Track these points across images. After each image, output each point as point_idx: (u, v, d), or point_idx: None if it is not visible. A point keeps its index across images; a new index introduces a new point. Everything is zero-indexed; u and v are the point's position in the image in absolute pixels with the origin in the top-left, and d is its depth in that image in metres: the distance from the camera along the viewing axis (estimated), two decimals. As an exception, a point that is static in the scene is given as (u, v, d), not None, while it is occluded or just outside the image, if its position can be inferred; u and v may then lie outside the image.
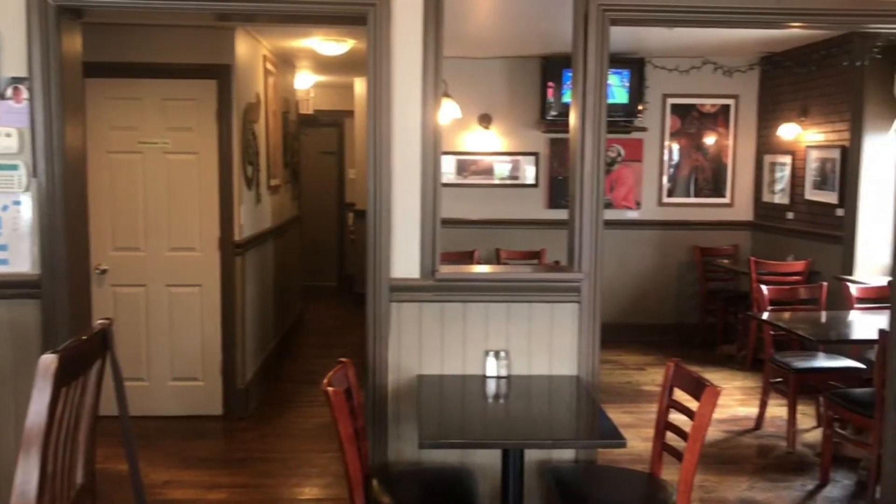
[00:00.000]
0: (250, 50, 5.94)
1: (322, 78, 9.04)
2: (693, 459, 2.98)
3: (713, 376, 6.71)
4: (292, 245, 8.07)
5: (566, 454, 3.56)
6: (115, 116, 5.35)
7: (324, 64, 7.75)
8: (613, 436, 2.85)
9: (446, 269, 3.61)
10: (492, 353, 3.51)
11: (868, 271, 6.25)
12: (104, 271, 5.37)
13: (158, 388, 5.50)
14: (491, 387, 3.47)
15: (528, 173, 8.04)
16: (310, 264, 10.49)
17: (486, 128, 7.92)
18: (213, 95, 5.40)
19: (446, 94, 6.58)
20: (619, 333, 7.89)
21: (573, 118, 3.59)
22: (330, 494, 4.38)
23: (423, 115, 3.45)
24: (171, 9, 3.50)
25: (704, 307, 7.94)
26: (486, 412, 3.38)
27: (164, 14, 3.90)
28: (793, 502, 4.34)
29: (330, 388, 2.87)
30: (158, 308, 5.47)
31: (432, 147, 3.47)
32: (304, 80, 8.62)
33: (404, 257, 3.50)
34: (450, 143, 7.89)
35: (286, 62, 7.68)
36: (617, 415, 5.68)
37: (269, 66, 6.66)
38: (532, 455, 3.50)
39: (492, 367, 3.51)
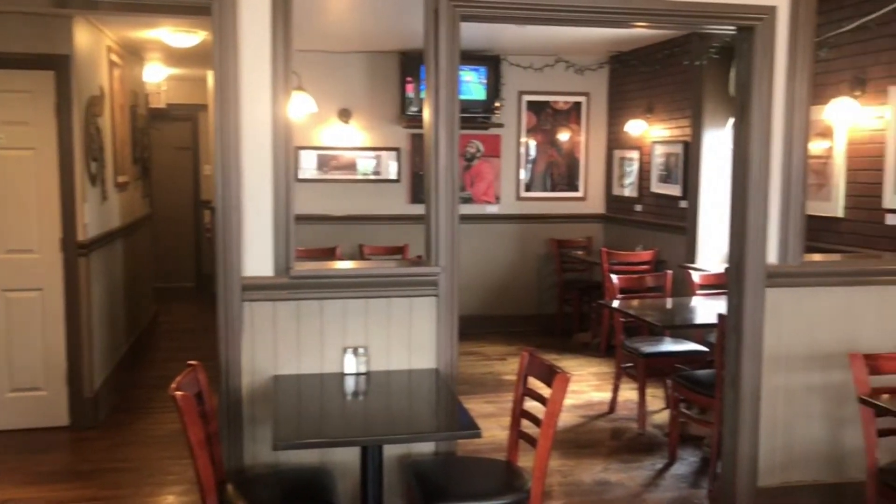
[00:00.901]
0: (92, 40, 5.62)
1: (174, 70, 8.69)
2: (546, 445, 3.06)
3: (570, 363, 6.95)
4: (144, 244, 7.72)
5: (426, 447, 3.58)
6: (-63, 109, 4.94)
7: (175, 56, 7.44)
8: (469, 426, 2.89)
9: (302, 266, 3.54)
10: (350, 350, 3.48)
11: (709, 259, 6.63)
12: (-71, 277, 4.95)
13: (-5, 400, 5.13)
14: (350, 384, 3.44)
15: (391, 168, 8.04)
16: (165, 264, 10.09)
17: (346, 122, 7.85)
18: (50, 88, 5.07)
19: (300, 88, 6.46)
20: (481, 325, 8.04)
21: (427, 114, 3.61)
22: (185, 502, 4.22)
23: (274, 109, 3.37)
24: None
25: (562, 297, 8.20)
26: (345, 410, 3.35)
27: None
28: (644, 481, 4.55)
29: (178, 393, 2.76)
30: (-7, 315, 5.10)
31: (283, 141, 3.39)
32: (155, 73, 8.25)
33: (257, 255, 3.41)
34: (309, 138, 7.78)
35: (134, 54, 7.33)
36: (479, 405, 5.79)
37: (114, 57, 6.33)
38: (392, 450, 3.49)
39: (350, 364, 3.48)
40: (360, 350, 3.48)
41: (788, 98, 3.81)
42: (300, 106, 6.54)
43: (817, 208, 5.33)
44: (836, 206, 5.30)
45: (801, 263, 3.91)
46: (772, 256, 3.86)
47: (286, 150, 3.41)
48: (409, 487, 3.22)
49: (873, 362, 3.40)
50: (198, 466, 2.80)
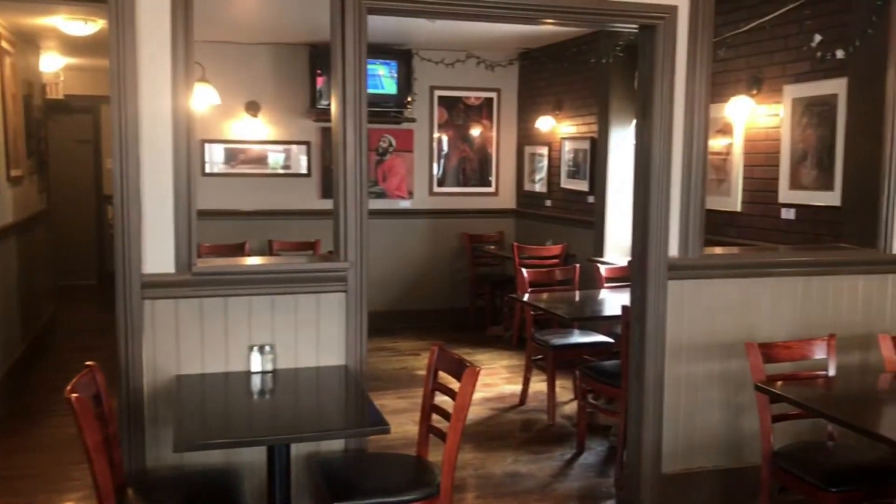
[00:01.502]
0: (-20, 26, 5.34)
1: (73, 60, 8.34)
2: (456, 438, 3.06)
3: (482, 357, 7.01)
4: (40, 241, 7.39)
5: (336, 445, 3.54)
6: None
7: (74, 45, 7.14)
8: (378, 423, 2.87)
9: (205, 263, 3.45)
10: (256, 348, 3.41)
11: (616, 253, 6.78)
12: None
13: None
14: (256, 382, 3.37)
15: (301, 163, 7.93)
16: (65, 262, 9.69)
17: (254, 116, 7.70)
18: (-66, 75, 4.80)
19: (203, 79, 6.30)
20: (394, 320, 8.03)
21: (334, 107, 3.57)
22: (85, 509, 4.07)
23: (175, 101, 3.26)
24: None
25: (474, 291, 8.26)
26: (251, 409, 3.28)
27: None
28: (553, 471, 4.62)
29: (73, 395, 2.65)
30: None
31: (185, 134, 3.29)
32: (52, 63, 7.90)
33: (157, 251, 3.30)
34: (216, 132, 7.60)
35: (28, 42, 6.99)
36: (392, 400, 5.77)
37: (4, 44, 6.03)
38: (301, 449, 3.44)
39: (256, 363, 3.41)
40: (267, 348, 3.41)
41: (689, 96, 3.91)
42: (203, 98, 6.37)
43: (718, 203, 5.52)
44: (735, 200, 5.50)
45: (701, 256, 4.03)
46: (673, 250, 3.96)
47: (188, 144, 3.31)
48: (317, 486, 3.18)
49: (768, 351, 3.54)
50: (94, 471, 2.69)
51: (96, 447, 2.68)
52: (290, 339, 3.50)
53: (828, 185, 4.76)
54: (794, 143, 5.00)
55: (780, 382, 3.48)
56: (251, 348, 3.41)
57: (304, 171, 7.92)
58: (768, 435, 3.45)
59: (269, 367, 3.42)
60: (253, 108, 7.68)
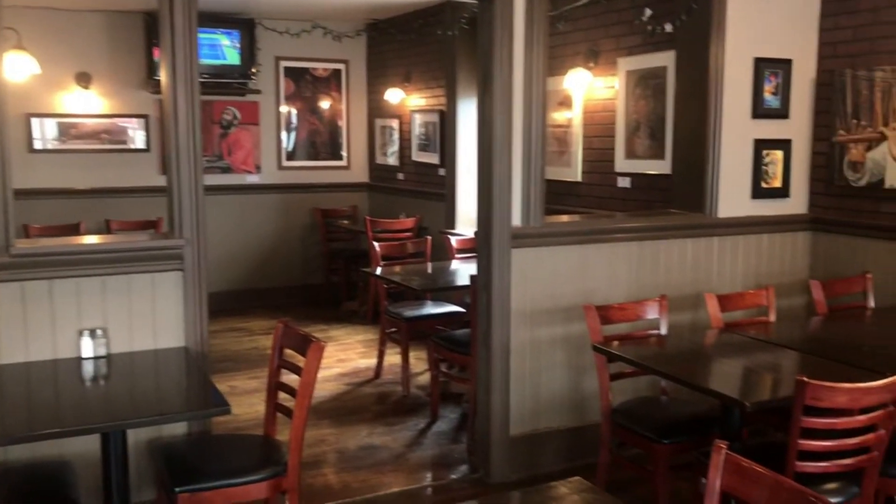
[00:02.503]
0: None
1: None
2: (302, 415, 3.02)
3: (337, 332, 6.97)
4: None
5: (179, 429, 3.42)
6: None
7: None
8: (219, 403, 2.78)
9: (24, 243, 3.22)
10: (87, 333, 3.23)
11: (466, 224, 6.88)
12: None
13: None
14: (88, 369, 3.19)
15: (138, 137, 7.53)
16: None
17: (86, 88, 7.24)
18: None
19: (19, 47, 5.84)
20: (245, 299, 7.85)
21: (164, 78, 3.39)
22: None
23: (-18, 70, 3.01)
24: None
25: (328, 267, 8.17)
26: (83, 396, 3.09)
27: None
28: (407, 441, 4.66)
29: None
30: None
31: (-4, 106, 3.05)
32: None
33: (-32, 233, 3.05)
34: (45, 105, 7.11)
35: None
36: (243, 381, 5.65)
37: None
38: (140, 435, 3.30)
39: (87, 348, 3.22)
40: (98, 332, 3.23)
41: (527, 68, 3.97)
42: (19, 67, 5.91)
43: (560, 173, 5.70)
44: (575, 171, 5.69)
45: (543, 225, 4.13)
46: (516, 219, 4.05)
47: (1, 117, 3.06)
48: (158, 472, 3.06)
49: (605, 313, 3.69)
50: None
51: None
52: (123, 321, 3.34)
53: (659, 155, 5.01)
54: (629, 114, 5.22)
55: (616, 342, 3.65)
56: (81, 333, 3.23)
57: (141, 146, 7.53)
58: (606, 393, 3.61)
59: (102, 351, 3.25)
60: (84, 79, 7.22)
